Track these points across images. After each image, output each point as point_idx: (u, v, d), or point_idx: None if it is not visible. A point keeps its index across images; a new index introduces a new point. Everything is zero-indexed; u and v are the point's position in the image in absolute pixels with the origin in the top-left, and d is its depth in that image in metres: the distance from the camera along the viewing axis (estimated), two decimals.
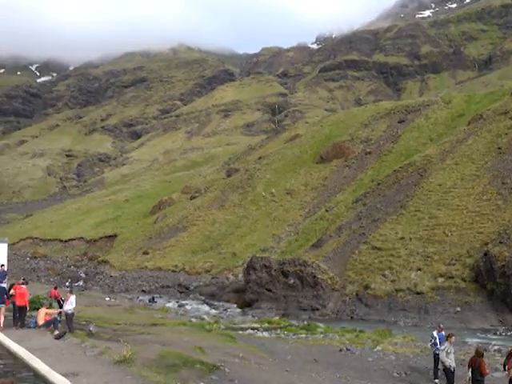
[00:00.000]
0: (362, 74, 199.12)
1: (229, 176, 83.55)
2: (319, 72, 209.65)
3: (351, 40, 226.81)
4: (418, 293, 33.20)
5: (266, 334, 25.04)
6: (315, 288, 35.80)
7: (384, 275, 35.69)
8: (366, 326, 29.11)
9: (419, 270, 35.08)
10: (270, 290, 37.44)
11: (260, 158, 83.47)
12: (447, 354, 15.36)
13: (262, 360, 17.20)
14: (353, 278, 36.99)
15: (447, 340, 15.78)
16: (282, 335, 24.73)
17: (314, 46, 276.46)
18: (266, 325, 28.52)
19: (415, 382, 16.68)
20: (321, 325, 28.56)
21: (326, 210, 55.84)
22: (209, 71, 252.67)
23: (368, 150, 67.49)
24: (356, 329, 26.83)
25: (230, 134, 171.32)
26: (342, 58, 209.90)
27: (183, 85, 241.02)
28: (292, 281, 36.82)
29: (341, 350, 20.42)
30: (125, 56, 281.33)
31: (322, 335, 25.04)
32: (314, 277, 36.11)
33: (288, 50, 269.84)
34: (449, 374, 15.40)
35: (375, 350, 20.83)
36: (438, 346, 16.37)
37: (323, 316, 33.94)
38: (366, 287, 35.19)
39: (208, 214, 69.78)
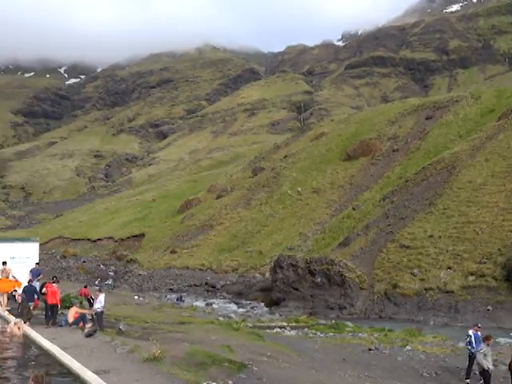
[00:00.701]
0: (389, 71, 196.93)
1: (255, 175, 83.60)
2: (345, 69, 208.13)
3: (377, 36, 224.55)
4: (447, 292, 32.69)
5: (293, 332, 24.99)
6: (343, 287, 35.58)
7: (413, 274, 35.25)
8: (394, 325, 28.80)
9: (449, 268, 34.54)
10: (297, 289, 37.35)
11: (286, 156, 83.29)
12: (484, 356, 15.04)
13: (290, 359, 17.17)
14: (381, 276, 36.63)
15: (484, 342, 15.44)
16: (310, 334, 24.63)
17: (340, 43, 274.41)
18: (294, 323, 28.46)
19: (446, 382, 16.42)
20: (349, 324, 28.37)
21: (353, 209, 55.42)
22: (234, 70, 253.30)
23: (395, 148, 66.73)
24: (385, 328, 26.56)
25: (255, 132, 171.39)
26: (368, 55, 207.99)
27: (209, 84, 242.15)
28: (319, 279, 36.66)
29: (370, 350, 20.24)
30: (151, 57, 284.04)
31: (350, 334, 24.86)
32: (342, 275, 35.89)
33: (313, 48, 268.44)
34: (486, 376, 15.10)
35: (405, 349, 20.58)
36: (474, 345, 16.06)
37: (351, 315, 33.72)
38: (395, 286, 34.80)
39: (234, 212, 69.97)
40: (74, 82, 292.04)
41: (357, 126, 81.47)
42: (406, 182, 51.37)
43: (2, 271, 24.58)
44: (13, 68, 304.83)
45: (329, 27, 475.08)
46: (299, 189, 68.19)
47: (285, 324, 28.12)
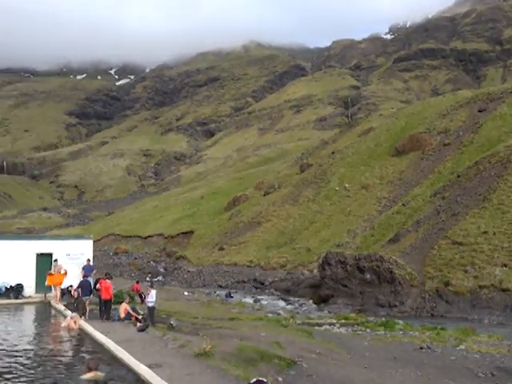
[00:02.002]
0: (439, 63, 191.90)
1: (302, 171, 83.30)
2: (393, 63, 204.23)
3: (427, 28, 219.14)
4: (503, 290, 31.56)
5: (342, 330, 24.78)
6: (393, 284, 34.97)
7: (466, 271, 34.25)
8: (447, 323, 28.09)
9: (504, 265, 33.34)
10: (345, 286, 37.00)
11: (333, 152, 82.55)
12: None
13: (340, 356, 17.03)
14: (432, 273, 35.78)
15: None
16: (360, 332, 24.35)
17: (388, 37, 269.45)
18: (343, 321, 28.19)
19: (503, 383, 15.89)
20: (399, 321, 27.86)
21: (403, 205, 54.34)
22: (280, 67, 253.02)
23: (446, 142, 64.96)
24: (437, 326, 25.93)
25: (302, 129, 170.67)
26: (417, 47, 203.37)
27: (255, 82, 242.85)
28: (368, 276, 36.17)
29: (421, 348, 19.80)
30: (198, 56, 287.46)
31: (400, 332, 24.41)
32: (392, 272, 35.27)
33: (360, 42, 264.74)
34: None
35: (458, 348, 20.03)
36: None
37: (401, 313, 33.10)
38: (447, 283, 33.91)
39: (282, 209, 69.95)
40: (124, 83, 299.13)
41: (406, 120, 79.79)
42: (459, 176, 49.94)
43: (54, 267, 26.42)
44: (66, 71, 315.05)
45: (376, 20, 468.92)
46: (347, 185, 67.47)
47: (334, 321, 27.90)
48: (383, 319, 29.04)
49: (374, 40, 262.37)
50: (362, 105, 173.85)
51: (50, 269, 26.80)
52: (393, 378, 14.88)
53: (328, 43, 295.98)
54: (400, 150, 69.04)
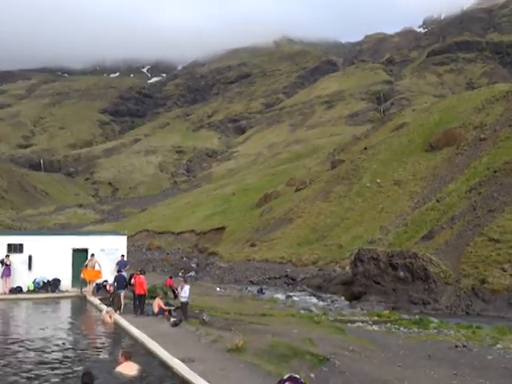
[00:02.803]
0: (475, 56, 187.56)
1: (333, 167, 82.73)
2: (427, 56, 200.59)
3: (462, 20, 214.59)
4: None
5: (375, 327, 24.54)
6: (426, 281, 34.47)
7: (503, 269, 33.49)
8: (483, 322, 27.52)
9: None
10: (378, 283, 36.65)
11: (365, 148, 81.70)
12: None
13: (373, 354, 16.88)
14: (467, 271, 35.11)
15: None
16: (393, 329, 24.08)
17: (421, 30, 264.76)
18: (376, 318, 27.92)
19: None
20: (434, 319, 27.42)
21: (437, 201, 53.43)
22: (311, 62, 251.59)
23: (482, 136, 63.53)
24: (472, 325, 25.43)
25: (333, 124, 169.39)
26: (451, 40, 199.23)
27: (286, 78, 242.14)
28: (401, 273, 35.74)
29: (456, 347, 19.45)
30: (229, 53, 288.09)
31: (435, 330, 24.04)
32: (425, 270, 34.77)
33: (393, 36, 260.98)
34: None
35: (495, 348, 19.60)
36: None
37: (436, 310, 32.60)
38: (483, 281, 33.23)
39: (313, 205, 69.65)
40: (156, 81, 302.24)
41: (440, 114, 78.34)
42: (495, 172, 48.80)
43: (90, 261, 26.88)
44: (99, 69, 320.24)
45: (409, 14, 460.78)
46: (379, 181, 66.71)
47: (366, 318, 27.67)
48: (417, 317, 28.64)
49: (408, 33, 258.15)
50: (395, 100, 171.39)
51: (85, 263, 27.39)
52: (428, 376, 14.67)
53: (360, 38, 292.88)
54: (434, 146, 67.85)
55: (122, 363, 11.84)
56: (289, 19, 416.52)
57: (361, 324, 25.33)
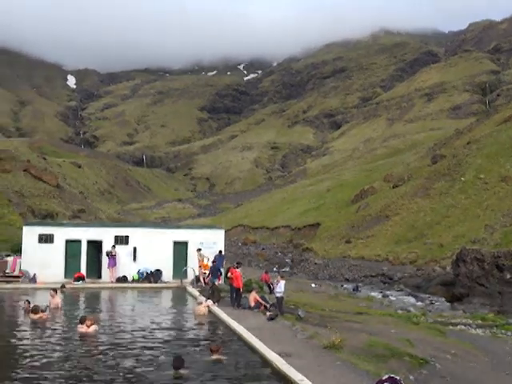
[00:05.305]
0: None
1: (434, 163, 79.44)
2: None
3: None
4: None
5: (479, 331, 23.30)
6: None
7: None
8: None
9: None
10: (482, 285, 34.75)
11: (469, 142, 77.65)
12: None
13: (476, 359, 16.07)
14: None
15: None
16: (499, 334, 22.74)
17: None
18: (479, 321, 26.50)
19: None
20: None
21: None
22: (410, 54, 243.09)
23: None
24: None
25: (434, 118, 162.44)
26: None
27: (383, 71, 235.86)
28: (508, 276, 33.65)
29: None
30: (324, 47, 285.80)
31: None
32: None
33: (500, 23, 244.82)
34: None
35: None
36: None
37: None
38: None
39: (412, 202, 67.40)
40: (252, 78, 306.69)
41: None
42: None
43: (201, 255, 28.37)
44: (198, 68, 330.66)
45: None
46: (483, 176, 63.15)
47: (469, 321, 26.34)
48: None
49: None
50: (502, 91, 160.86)
51: (187, 257, 28.92)
52: None
53: (463, 26, 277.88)
54: None
55: (212, 354, 12.57)
56: (386, 10, 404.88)
57: (463, 327, 24.17)
